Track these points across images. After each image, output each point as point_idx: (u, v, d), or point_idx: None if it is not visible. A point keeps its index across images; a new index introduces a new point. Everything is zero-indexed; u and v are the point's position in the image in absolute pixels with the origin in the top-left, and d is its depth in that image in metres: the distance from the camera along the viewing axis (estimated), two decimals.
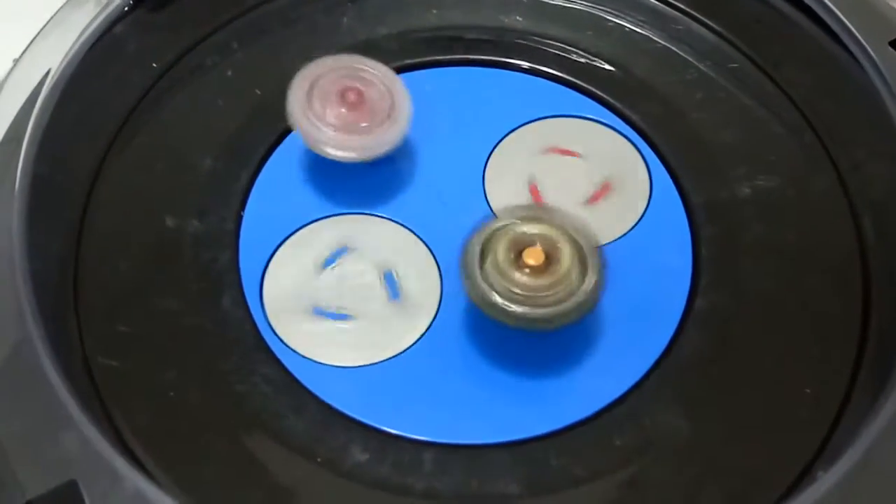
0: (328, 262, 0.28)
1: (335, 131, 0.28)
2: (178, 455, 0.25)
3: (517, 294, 0.25)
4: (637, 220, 0.30)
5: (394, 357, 0.27)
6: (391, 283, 0.28)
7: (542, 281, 0.25)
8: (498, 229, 0.26)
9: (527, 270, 0.25)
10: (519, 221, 0.26)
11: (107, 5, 0.31)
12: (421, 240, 0.29)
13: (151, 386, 0.26)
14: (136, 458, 0.24)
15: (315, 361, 0.27)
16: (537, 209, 0.28)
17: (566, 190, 0.30)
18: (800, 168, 0.30)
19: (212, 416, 0.25)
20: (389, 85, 0.29)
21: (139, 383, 0.26)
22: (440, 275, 0.28)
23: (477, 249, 0.25)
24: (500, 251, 0.25)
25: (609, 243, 0.29)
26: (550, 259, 0.25)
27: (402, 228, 0.29)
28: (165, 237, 0.29)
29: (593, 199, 0.30)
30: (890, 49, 0.28)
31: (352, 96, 0.28)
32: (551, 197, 0.30)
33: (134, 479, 0.22)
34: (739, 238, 0.29)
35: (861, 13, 0.29)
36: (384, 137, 0.28)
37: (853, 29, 0.29)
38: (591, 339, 0.27)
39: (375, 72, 0.29)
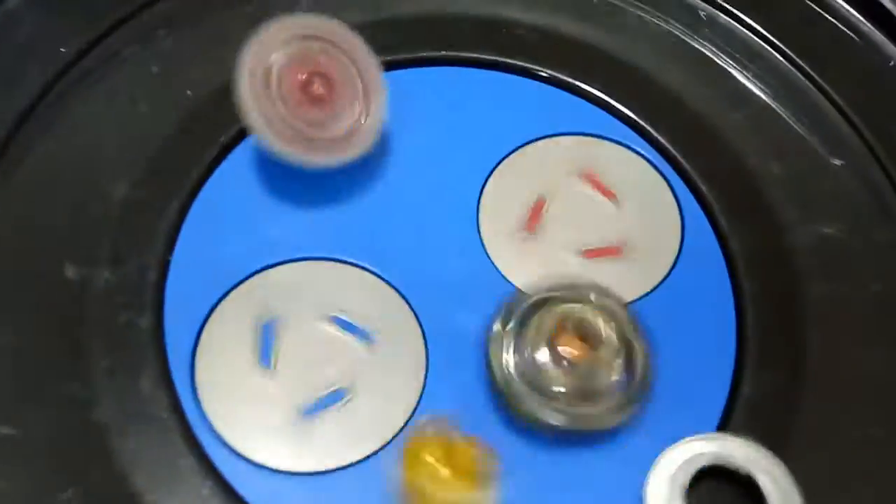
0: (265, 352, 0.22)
1: (301, 135, 0.23)
2: None
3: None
4: (668, 271, 0.24)
5: (374, 454, 0.21)
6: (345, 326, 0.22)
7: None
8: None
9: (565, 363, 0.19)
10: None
11: None
12: (401, 295, 0.23)
13: None
14: None
15: (260, 466, 0.21)
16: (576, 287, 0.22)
17: (575, 227, 0.24)
18: (866, 212, 0.25)
19: None
20: (357, 59, 0.24)
21: None
22: (424, 341, 0.22)
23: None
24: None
25: (642, 297, 0.23)
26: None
27: (379, 282, 0.23)
28: (65, 293, 0.22)
29: (600, 253, 0.24)
30: None
31: (317, 87, 0.23)
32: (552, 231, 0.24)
33: None
34: (796, 298, 0.23)
35: None
36: (359, 139, 0.23)
37: None
38: (617, 441, 0.21)
39: (337, 41, 0.23)
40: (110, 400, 0.21)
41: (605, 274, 0.23)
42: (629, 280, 0.24)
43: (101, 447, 0.20)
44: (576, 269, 0.24)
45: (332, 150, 0.23)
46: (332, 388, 0.22)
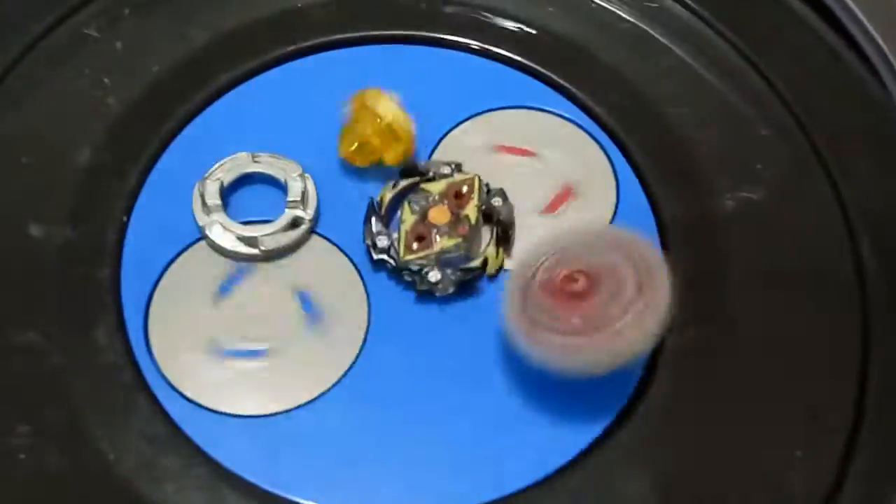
0: (224, 288, 0.24)
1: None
2: None
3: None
4: None
5: (310, 402, 0.22)
6: (307, 306, 0.23)
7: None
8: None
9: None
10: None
11: None
12: (344, 253, 0.24)
13: None
14: None
15: (209, 410, 0.22)
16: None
17: (520, 196, 0.25)
18: (789, 177, 0.26)
19: (71, 484, 0.21)
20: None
21: None
22: (367, 295, 0.24)
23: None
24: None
25: None
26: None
27: (327, 244, 0.24)
28: (27, 250, 0.23)
29: (550, 208, 0.25)
30: None
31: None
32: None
33: None
34: (720, 260, 0.25)
35: None
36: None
37: (857, 10, 0.24)
38: (543, 385, 0.23)
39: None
40: (66, 347, 0.22)
41: (571, 222, 0.25)
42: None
43: (54, 390, 0.22)
44: (546, 229, 0.25)
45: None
46: (272, 343, 0.23)
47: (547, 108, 0.27)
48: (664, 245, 0.25)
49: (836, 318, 0.24)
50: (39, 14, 0.27)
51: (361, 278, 0.24)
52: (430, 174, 0.25)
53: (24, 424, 0.21)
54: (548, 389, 0.22)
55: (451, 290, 0.23)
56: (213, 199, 0.24)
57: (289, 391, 0.22)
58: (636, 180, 0.26)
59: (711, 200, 0.25)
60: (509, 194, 0.25)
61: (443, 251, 0.24)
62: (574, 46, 0.28)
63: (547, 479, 0.21)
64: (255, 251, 0.24)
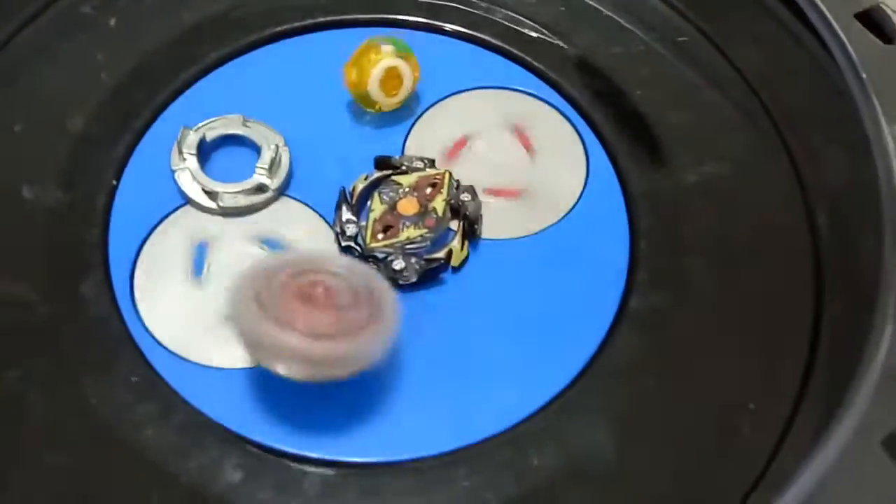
0: (201, 248, 0.25)
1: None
2: (13, 474, 0.21)
3: None
4: (570, 207, 0.26)
5: None
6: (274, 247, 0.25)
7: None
8: None
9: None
10: None
11: None
12: (317, 213, 0.26)
13: None
14: None
15: (187, 360, 0.23)
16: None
17: (487, 169, 0.27)
18: (752, 155, 0.27)
19: (56, 427, 0.22)
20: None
21: None
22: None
23: None
24: None
25: (539, 233, 0.26)
26: None
27: (308, 210, 0.26)
28: (19, 210, 0.24)
29: (500, 192, 0.26)
30: (856, 23, 0.25)
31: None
32: (470, 171, 0.26)
33: None
34: (683, 230, 0.26)
35: None
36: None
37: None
38: (510, 341, 0.24)
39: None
40: (55, 300, 0.23)
41: (502, 210, 0.26)
42: (527, 218, 0.26)
43: (43, 339, 0.23)
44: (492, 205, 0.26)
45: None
46: None
47: (523, 90, 0.28)
48: (630, 214, 0.26)
49: (790, 282, 0.25)
50: None
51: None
52: (403, 167, 0.26)
53: (14, 370, 0.22)
54: (514, 348, 0.24)
55: (413, 279, 0.24)
56: (190, 149, 0.25)
57: None
58: (605, 156, 0.27)
59: (676, 175, 0.27)
60: (481, 168, 0.26)
61: (408, 240, 0.24)
62: (553, 33, 0.29)
63: (512, 428, 0.22)
64: (213, 205, 0.25)
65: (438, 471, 0.22)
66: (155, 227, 0.25)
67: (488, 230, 0.26)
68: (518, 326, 0.24)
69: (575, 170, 0.27)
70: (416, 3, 0.30)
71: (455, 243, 0.25)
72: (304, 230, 0.25)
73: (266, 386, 0.23)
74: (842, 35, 0.25)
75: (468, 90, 0.28)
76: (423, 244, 0.24)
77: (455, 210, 0.26)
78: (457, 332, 0.24)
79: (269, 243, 0.25)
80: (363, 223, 0.25)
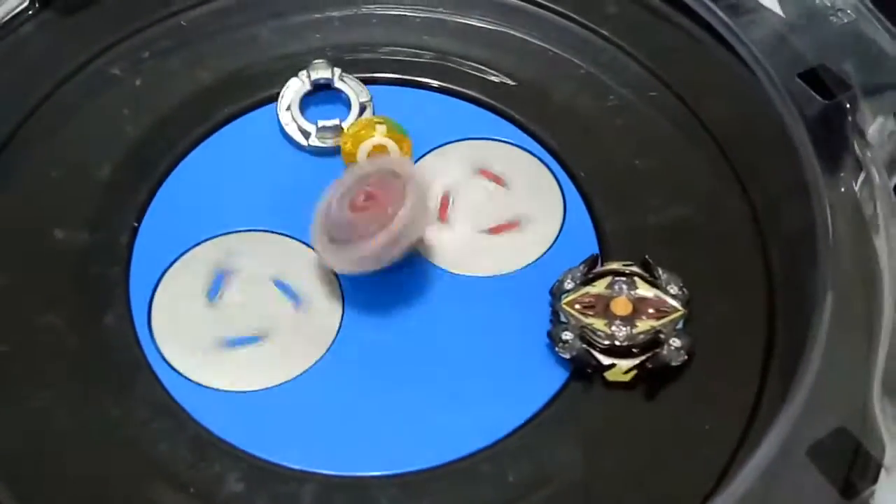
0: (216, 284, 0.27)
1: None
2: (40, 482, 0.24)
3: None
4: (548, 247, 0.29)
5: (287, 382, 0.26)
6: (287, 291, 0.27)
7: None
8: None
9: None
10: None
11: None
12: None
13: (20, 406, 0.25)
14: None
15: (197, 384, 0.26)
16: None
17: (477, 212, 0.29)
18: (713, 199, 0.30)
19: (80, 441, 0.24)
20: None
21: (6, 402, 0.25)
22: (343, 306, 0.27)
23: None
24: None
25: (518, 270, 0.28)
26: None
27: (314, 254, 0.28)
28: (51, 250, 0.27)
29: (500, 229, 0.29)
30: (798, 81, 0.27)
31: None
32: (460, 216, 0.29)
33: None
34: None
35: (773, 45, 0.29)
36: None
37: (763, 61, 0.28)
38: (490, 367, 0.26)
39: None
40: (81, 330, 0.26)
41: (507, 244, 0.29)
42: (528, 246, 0.29)
43: (71, 364, 0.26)
44: (485, 244, 0.29)
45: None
46: (258, 331, 0.27)
47: (505, 139, 0.31)
48: (603, 252, 0.28)
49: (745, 318, 0.27)
50: (72, 55, 0.31)
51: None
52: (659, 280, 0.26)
53: (45, 391, 0.25)
54: (492, 372, 0.26)
55: (566, 356, 0.25)
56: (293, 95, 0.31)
57: (273, 372, 0.26)
58: (581, 200, 0.30)
59: (644, 216, 0.29)
60: (476, 215, 0.29)
61: (594, 328, 0.25)
62: (533, 88, 0.32)
63: (488, 448, 0.25)
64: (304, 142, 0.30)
65: (422, 485, 0.24)
66: (171, 263, 0.28)
67: (493, 266, 0.28)
68: (497, 351, 0.26)
69: (553, 212, 0.30)
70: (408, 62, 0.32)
71: (625, 364, 0.25)
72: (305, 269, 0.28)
73: (265, 406, 0.25)
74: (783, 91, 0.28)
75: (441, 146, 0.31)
76: (602, 340, 0.25)
77: (654, 343, 0.25)
78: (443, 352, 0.26)
79: (278, 283, 0.28)
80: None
